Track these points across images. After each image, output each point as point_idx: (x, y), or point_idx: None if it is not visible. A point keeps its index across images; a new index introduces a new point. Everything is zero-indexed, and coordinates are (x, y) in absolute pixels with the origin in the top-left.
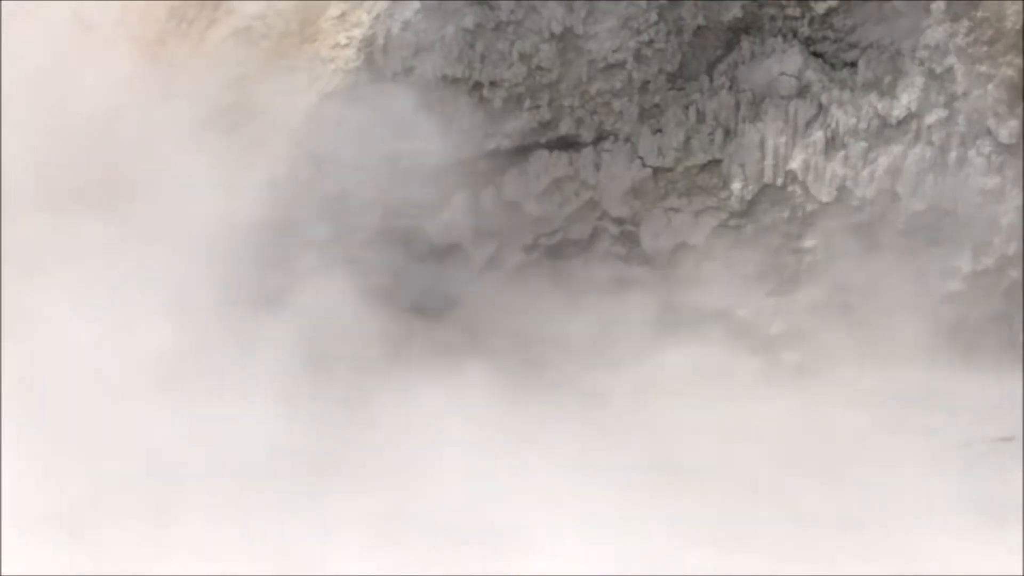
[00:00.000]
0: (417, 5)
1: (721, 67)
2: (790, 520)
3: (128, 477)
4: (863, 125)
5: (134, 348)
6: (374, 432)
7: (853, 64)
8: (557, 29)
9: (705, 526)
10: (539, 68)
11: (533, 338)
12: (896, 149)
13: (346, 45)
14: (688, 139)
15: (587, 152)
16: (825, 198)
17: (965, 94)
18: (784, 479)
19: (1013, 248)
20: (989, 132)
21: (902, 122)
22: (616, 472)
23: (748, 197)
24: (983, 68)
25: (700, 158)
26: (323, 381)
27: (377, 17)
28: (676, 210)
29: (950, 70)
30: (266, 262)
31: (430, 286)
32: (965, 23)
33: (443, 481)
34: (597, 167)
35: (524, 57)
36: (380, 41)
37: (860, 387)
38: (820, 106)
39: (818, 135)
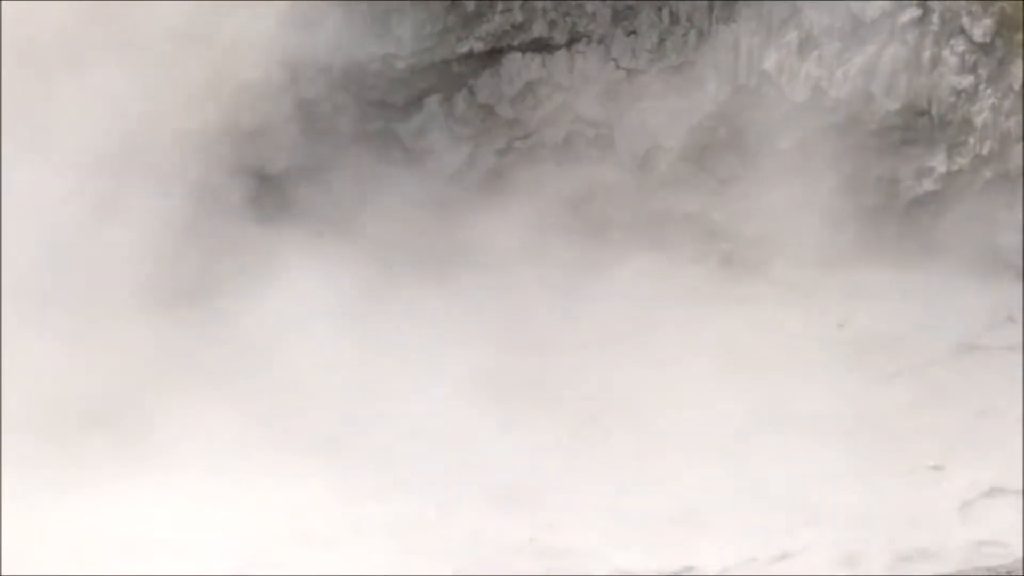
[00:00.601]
0: None
1: None
2: None
3: None
4: (837, 25)
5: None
6: None
7: None
8: None
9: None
10: None
11: (507, 245)
12: (870, 49)
13: None
14: (662, 41)
15: (560, 55)
16: (799, 98)
17: None
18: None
19: (987, 147)
20: (963, 31)
21: (876, 21)
22: None
23: (722, 98)
24: None
25: (674, 60)
26: None
27: None
28: (650, 112)
29: None
30: (240, 167)
31: (403, 190)
32: None
33: None
34: (571, 69)
35: None
36: None
37: (832, 287)
38: (794, 6)
39: (792, 36)
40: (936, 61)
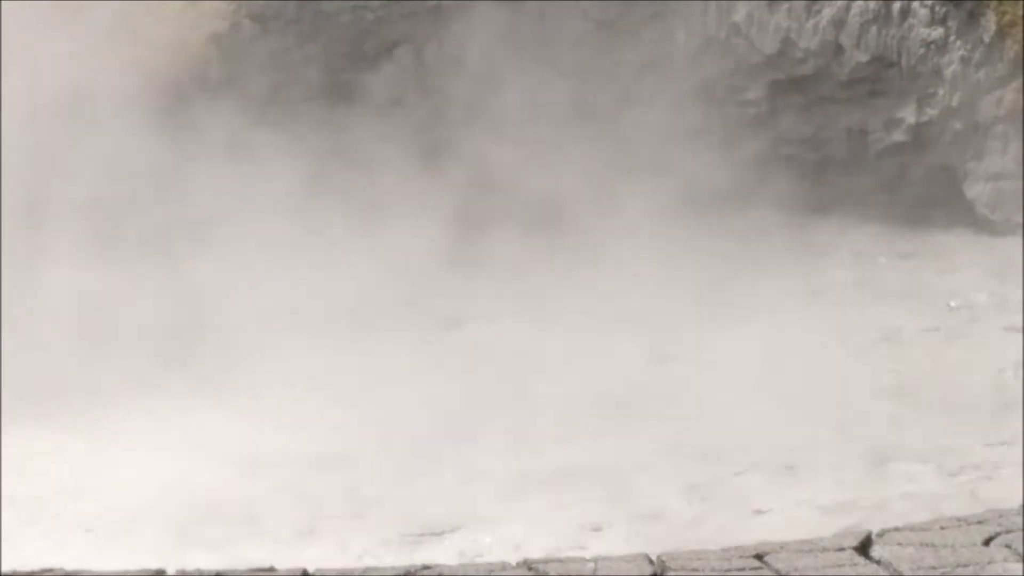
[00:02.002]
0: None
1: None
2: None
3: None
4: None
5: None
6: None
7: None
8: None
9: None
10: None
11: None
12: (839, 1)
13: None
14: None
15: (531, 6)
16: (769, 50)
17: None
18: None
19: (956, 99)
20: None
21: None
22: None
23: (692, 50)
24: None
25: (643, 11)
26: None
27: None
28: (620, 64)
29: None
30: (209, 116)
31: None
32: None
33: None
34: (541, 21)
35: None
36: None
37: (801, 240)
38: None
39: None
40: (906, 13)
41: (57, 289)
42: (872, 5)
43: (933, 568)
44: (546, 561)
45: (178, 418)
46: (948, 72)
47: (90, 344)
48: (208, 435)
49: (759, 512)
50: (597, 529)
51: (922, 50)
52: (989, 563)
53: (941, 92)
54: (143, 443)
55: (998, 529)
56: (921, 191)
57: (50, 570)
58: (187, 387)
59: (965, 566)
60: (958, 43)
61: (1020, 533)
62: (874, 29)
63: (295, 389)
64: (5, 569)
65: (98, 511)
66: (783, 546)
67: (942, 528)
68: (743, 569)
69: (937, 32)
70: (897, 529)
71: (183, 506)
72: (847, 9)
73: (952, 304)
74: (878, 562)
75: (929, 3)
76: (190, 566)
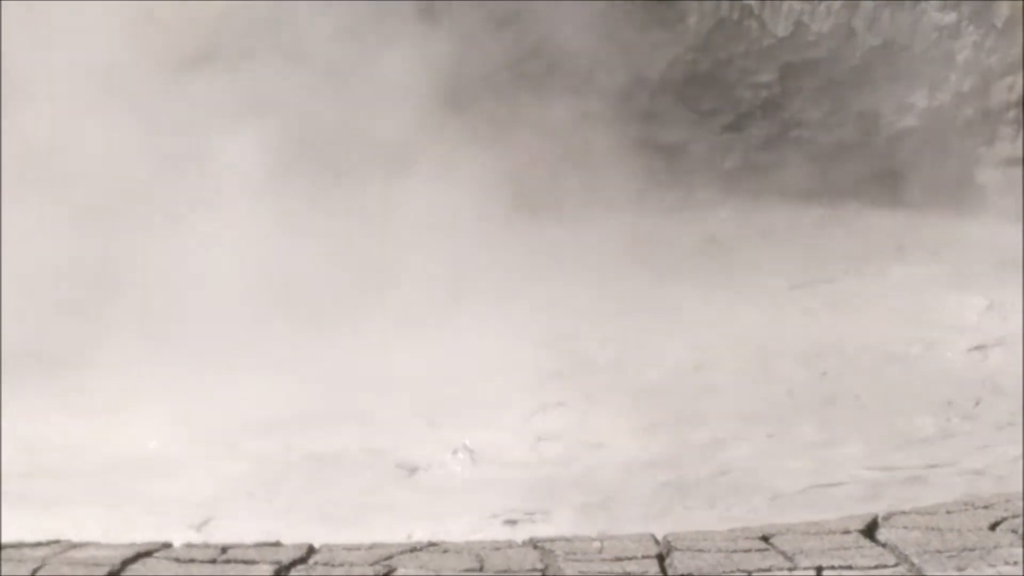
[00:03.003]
0: None
1: None
2: None
3: None
4: None
5: None
6: None
7: None
8: None
9: None
10: None
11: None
12: None
13: None
14: None
15: None
16: (781, 33)
17: None
18: None
19: (968, 84)
20: None
21: None
22: None
23: (704, 31)
24: None
25: None
26: None
27: None
28: (632, 44)
29: None
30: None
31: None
32: None
33: None
34: (552, 1)
35: None
36: None
37: (809, 221)
38: None
39: None
40: None
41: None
42: None
43: (939, 551)
44: (552, 540)
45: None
46: (960, 57)
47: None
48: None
49: None
50: None
51: (934, 35)
52: (995, 547)
53: (953, 77)
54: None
55: (1004, 514)
56: (931, 176)
57: (57, 541)
58: None
59: (971, 550)
60: (970, 28)
61: None
62: (887, 13)
63: None
64: (9, 539)
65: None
66: (789, 528)
67: (948, 512)
68: (749, 550)
69: (950, 17)
70: (903, 513)
71: None
72: None
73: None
74: (884, 545)
75: None
76: None
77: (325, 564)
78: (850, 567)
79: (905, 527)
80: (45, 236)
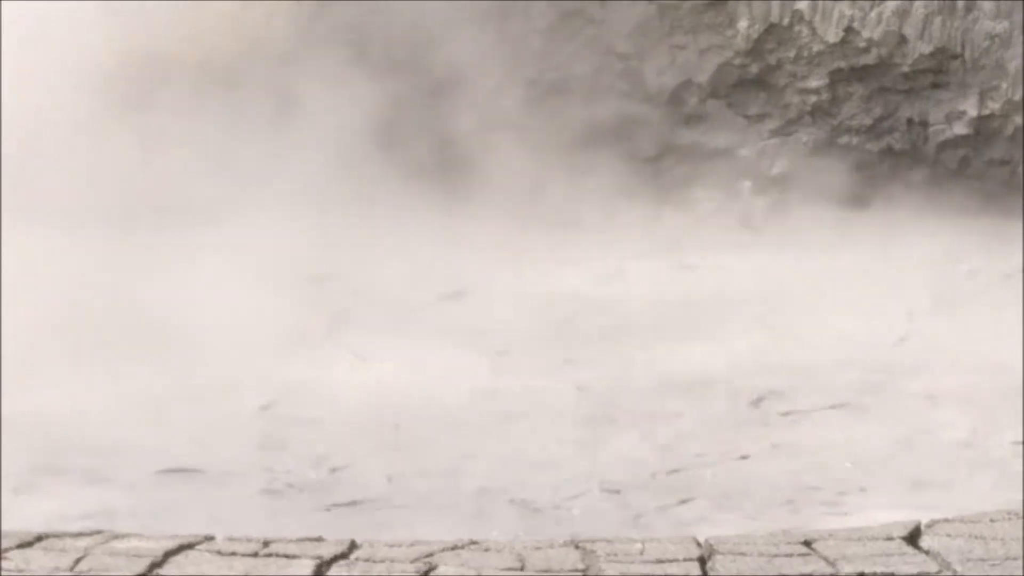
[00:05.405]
0: None
1: None
2: None
3: None
4: None
5: None
6: None
7: None
8: None
9: None
10: None
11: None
12: None
13: None
14: None
15: None
16: (832, 39)
17: None
18: None
19: (1019, 93)
20: None
21: None
22: None
23: (754, 36)
24: None
25: None
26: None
27: None
28: (681, 47)
29: None
30: (273, 87)
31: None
32: None
33: None
34: (603, 3)
35: None
36: None
37: (856, 228)
38: None
39: None
40: (971, 5)
41: None
42: None
43: (982, 560)
44: (593, 540)
45: None
46: (1011, 66)
47: None
48: None
49: None
50: None
51: (986, 43)
52: None
53: (1004, 86)
54: None
55: None
56: (981, 185)
57: (99, 531)
58: None
59: (1015, 559)
60: (1023, 37)
61: None
62: (938, 20)
63: None
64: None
65: None
66: (831, 534)
67: (992, 521)
68: (791, 555)
69: (1002, 26)
70: (947, 520)
71: None
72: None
73: None
74: (927, 552)
75: None
76: None
77: (366, 560)
78: (892, 574)
79: (948, 535)
80: None
